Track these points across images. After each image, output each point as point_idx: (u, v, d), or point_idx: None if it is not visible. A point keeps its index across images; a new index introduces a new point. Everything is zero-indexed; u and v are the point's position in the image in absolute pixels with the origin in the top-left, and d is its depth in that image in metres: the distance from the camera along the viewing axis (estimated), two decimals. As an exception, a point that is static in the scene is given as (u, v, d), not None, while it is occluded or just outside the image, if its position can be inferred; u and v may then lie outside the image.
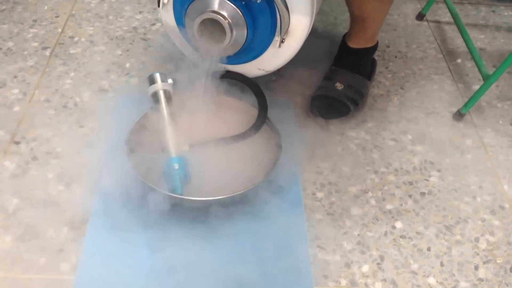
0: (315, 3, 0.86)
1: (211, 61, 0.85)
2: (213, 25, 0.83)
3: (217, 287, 0.75)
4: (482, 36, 1.34)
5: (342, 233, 0.85)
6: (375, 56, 1.13)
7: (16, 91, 1.03)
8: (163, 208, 0.79)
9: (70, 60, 1.12)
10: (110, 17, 1.26)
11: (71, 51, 1.14)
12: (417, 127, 1.06)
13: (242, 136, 0.88)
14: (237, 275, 0.76)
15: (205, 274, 0.76)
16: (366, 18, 1.02)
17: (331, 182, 0.93)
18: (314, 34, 0.90)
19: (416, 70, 1.20)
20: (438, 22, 1.38)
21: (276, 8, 0.82)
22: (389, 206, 0.90)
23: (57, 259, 0.77)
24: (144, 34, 1.22)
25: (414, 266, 0.81)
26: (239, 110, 0.93)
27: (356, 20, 1.04)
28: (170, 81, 0.88)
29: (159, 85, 0.86)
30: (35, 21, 1.22)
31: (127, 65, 1.13)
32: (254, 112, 0.92)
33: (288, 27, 0.85)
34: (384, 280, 0.79)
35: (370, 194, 0.92)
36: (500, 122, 1.09)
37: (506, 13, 1.44)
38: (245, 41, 0.83)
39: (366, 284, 0.78)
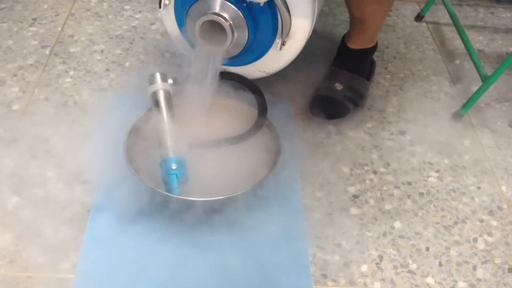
0: (316, 5, 0.86)
1: (212, 62, 0.85)
2: (214, 27, 0.83)
3: (216, 286, 0.75)
4: (481, 38, 1.35)
5: (341, 233, 0.85)
6: (374, 57, 1.13)
7: (15, 89, 1.03)
8: (163, 208, 0.79)
9: (69, 58, 1.12)
10: (110, 16, 1.26)
11: (71, 50, 1.14)
12: (416, 127, 1.06)
13: (242, 137, 0.89)
14: (236, 275, 0.77)
15: (203, 273, 0.76)
16: (365, 20, 1.02)
17: (330, 182, 0.93)
18: (313, 34, 0.90)
19: (415, 71, 1.21)
20: (436, 23, 1.38)
21: (277, 10, 0.83)
22: (388, 206, 0.90)
23: (57, 258, 0.77)
24: (144, 33, 1.22)
25: (413, 266, 0.81)
26: (239, 111, 0.94)
27: (355, 22, 1.04)
28: (170, 81, 0.88)
29: (159, 85, 0.87)
30: (34, 19, 1.22)
31: (127, 64, 1.13)
32: (253, 113, 0.92)
33: (290, 29, 0.85)
34: (383, 279, 0.79)
35: (369, 194, 0.92)
36: (499, 123, 1.09)
37: (504, 15, 1.44)
38: (246, 43, 0.83)
39: (365, 284, 0.79)
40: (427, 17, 1.38)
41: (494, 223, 0.89)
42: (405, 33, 1.33)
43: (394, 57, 1.24)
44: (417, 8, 1.42)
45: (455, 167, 0.99)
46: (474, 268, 0.82)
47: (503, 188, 0.95)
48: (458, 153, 1.02)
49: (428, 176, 0.96)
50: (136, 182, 0.81)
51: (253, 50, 0.88)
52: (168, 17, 0.93)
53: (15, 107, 1.00)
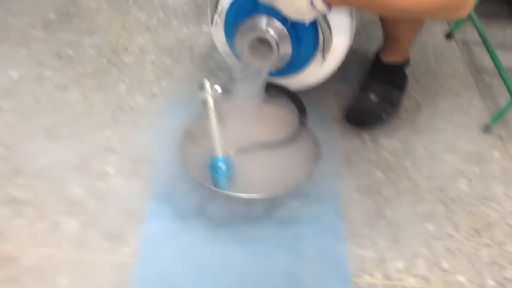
0: (354, 24, 0.94)
1: (258, 74, 0.93)
2: (261, 43, 0.91)
3: (265, 281, 0.82)
4: (509, 56, 1.40)
5: (377, 232, 0.91)
6: (407, 72, 1.20)
7: (77, 94, 1.13)
8: (211, 206, 0.87)
9: (124, 67, 1.21)
10: (159, 30, 1.36)
11: (126, 60, 1.24)
12: (447, 138, 1.12)
13: (285, 141, 0.96)
14: (283, 270, 0.83)
15: (248, 271, 0.83)
16: (399, 37, 1.10)
17: (366, 185, 1.00)
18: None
19: (445, 85, 1.27)
20: (466, 42, 1.45)
21: (319, 28, 0.91)
22: (420, 209, 0.96)
23: (119, 244, 0.85)
24: (191, 46, 1.31)
25: (445, 264, 0.87)
26: (281, 119, 1.01)
27: (389, 38, 1.12)
28: (218, 89, 0.96)
29: (208, 92, 0.95)
30: (91, 32, 1.33)
31: (176, 73, 1.22)
32: (293, 119, 1.00)
33: (330, 46, 0.93)
34: (416, 275, 0.85)
35: (403, 197, 0.98)
36: (526, 136, 1.15)
37: (532, 35, 1.50)
38: (290, 58, 0.92)
39: (400, 279, 0.84)
40: (457, 36, 1.45)
41: (522, 228, 0.94)
42: (436, 50, 1.40)
43: (426, 73, 1.31)
44: (447, 28, 1.48)
45: (485, 175, 1.04)
46: (503, 268, 0.87)
47: (531, 196, 1.01)
48: (488, 163, 1.07)
49: (459, 183, 1.02)
50: (190, 181, 0.89)
51: (296, 64, 0.96)
52: (218, 33, 1.02)
53: (78, 109, 1.09)
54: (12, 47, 1.25)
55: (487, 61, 1.36)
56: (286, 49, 0.92)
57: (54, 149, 0.99)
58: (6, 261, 0.82)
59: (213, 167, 0.90)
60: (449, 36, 1.44)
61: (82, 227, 0.87)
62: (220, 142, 0.92)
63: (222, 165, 0.90)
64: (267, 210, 0.90)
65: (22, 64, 1.20)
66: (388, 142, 1.10)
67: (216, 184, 0.88)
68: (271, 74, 0.98)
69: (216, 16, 0.98)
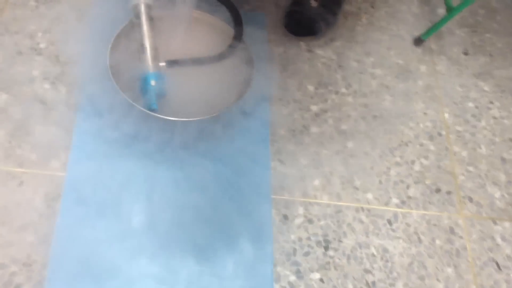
0: None
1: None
2: None
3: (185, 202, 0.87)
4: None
5: (301, 149, 0.97)
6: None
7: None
8: (139, 122, 0.87)
9: None
10: None
11: None
12: (380, 49, 1.14)
13: (218, 57, 0.94)
14: (203, 188, 0.89)
15: (168, 192, 0.87)
16: None
17: (295, 99, 1.03)
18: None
19: (388, -12, 1.24)
20: None
21: None
22: (344, 127, 1.02)
23: (48, 156, 0.86)
24: None
25: (357, 183, 0.96)
26: (215, 29, 0.97)
27: None
28: (152, -7, 0.90)
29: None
30: None
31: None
32: (229, 30, 0.96)
33: None
34: (331, 193, 0.94)
35: (329, 114, 1.02)
36: (455, 50, 1.18)
37: None
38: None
39: (315, 196, 0.93)
40: None
41: (432, 147, 1.03)
42: None
43: (371, -30, 1.26)
44: None
45: (408, 92, 1.09)
46: (408, 187, 0.97)
47: (446, 115, 1.08)
48: (414, 78, 1.11)
49: (383, 100, 1.07)
50: (117, 94, 0.87)
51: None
52: None
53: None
54: None
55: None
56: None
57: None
58: None
59: (143, 83, 0.88)
60: None
61: (7, 137, 0.86)
62: (151, 54, 0.89)
63: (152, 81, 0.88)
64: (193, 131, 0.91)
65: None
66: (324, 52, 1.10)
67: (145, 102, 0.88)
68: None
69: None
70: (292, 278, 0.84)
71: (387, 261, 0.88)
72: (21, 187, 0.82)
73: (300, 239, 0.88)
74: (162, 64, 0.91)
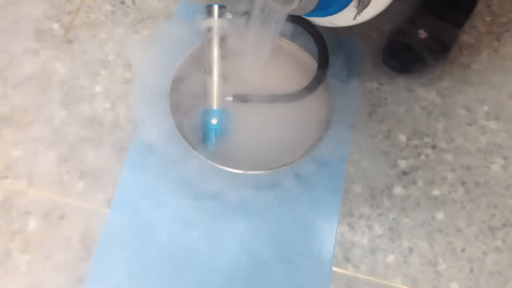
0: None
1: (277, 20, 0.73)
2: None
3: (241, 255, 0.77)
4: None
5: (377, 214, 0.82)
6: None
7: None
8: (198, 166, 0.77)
9: None
10: None
11: None
12: (499, 96, 0.93)
13: (294, 96, 0.81)
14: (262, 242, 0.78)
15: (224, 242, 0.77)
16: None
17: (381, 150, 0.87)
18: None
19: (523, 15, 1.01)
20: None
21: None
22: (436, 192, 0.84)
23: (95, 188, 0.79)
24: None
25: (442, 267, 0.79)
26: (296, 62, 0.84)
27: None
28: (229, 15, 0.78)
29: (215, 21, 0.77)
30: None
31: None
32: (311, 65, 0.82)
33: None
34: (406, 275, 0.78)
35: (420, 173, 0.85)
36: None
37: None
38: (316, 6, 0.70)
39: (385, 276, 0.78)
40: None
41: (547, 233, 0.82)
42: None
43: (504, -7, 1.03)
44: None
45: (527, 156, 0.88)
46: (506, 281, 0.79)
47: None
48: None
49: (492, 163, 0.87)
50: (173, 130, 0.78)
51: (325, 8, 0.74)
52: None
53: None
54: None
55: None
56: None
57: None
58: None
59: (204, 120, 0.78)
60: None
61: (58, 161, 0.81)
62: (218, 87, 0.78)
63: (214, 119, 0.77)
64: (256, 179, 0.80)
65: None
66: (426, 94, 0.92)
67: (204, 142, 0.77)
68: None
69: None
70: None
71: None
72: (62, 221, 0.77)
73: (358, 329, 0.74)
74: (229, 98, 0.80)
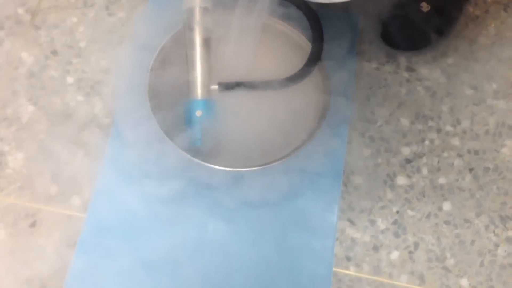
0: None
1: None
2: None
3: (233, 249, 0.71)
4: None
5: (380, 208, 0.76)
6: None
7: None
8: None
9: None
10: None
11: None
12: (508, 73, 0.85)
13: (286, 81, 0.73)
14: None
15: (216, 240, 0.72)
16: None
17: (382, 137, 0.80)
18: None
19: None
20: None
21: None
22: (442, 180, 0.78)
23: (69, 191, 0.72)
24: None
25: (450, 262, 0.73)
26: (289, 42, 0.76)
27: None
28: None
29: (197, 1, 0.69)
30: None
31: None
32: (304, 46, 0.75)
33: None
34: (412, 273, 0.72)
35: (424, 160, 0.79)
36: None
37: None
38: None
39: (390, 275, 0.72)
40: None
41: (562, 221, 0.77)
42: None
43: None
44: None
45: (540, 136, 0.82)
46: None
47: None
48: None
49: (502, 146, 0.81)
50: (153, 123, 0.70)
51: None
52: None
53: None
54: None
55: None
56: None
57: None
58: None
59: (187, 111, 0.71)
60: None
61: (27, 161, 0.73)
62: (202, 75, 0.71)
63: (198, 112, 0.70)
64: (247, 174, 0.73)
65: None
66: (429, 72, 0.84)
67: (189, 136, 0.70)
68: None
69: None
70: None
71: None
72: (33, 229, 0.70)
73: (362, 333, 0.69)
74: (214, 87, 0.72)
